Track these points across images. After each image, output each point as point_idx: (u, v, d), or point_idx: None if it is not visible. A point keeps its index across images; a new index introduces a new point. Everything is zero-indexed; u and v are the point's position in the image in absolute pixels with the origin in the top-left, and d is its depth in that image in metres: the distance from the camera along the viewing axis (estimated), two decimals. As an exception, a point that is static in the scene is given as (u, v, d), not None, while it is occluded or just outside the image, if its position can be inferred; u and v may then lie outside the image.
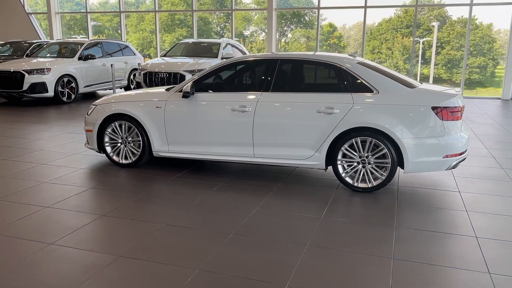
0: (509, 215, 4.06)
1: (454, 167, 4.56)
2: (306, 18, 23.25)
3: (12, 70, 10.67)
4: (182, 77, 10.23)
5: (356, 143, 4.58)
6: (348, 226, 3.80)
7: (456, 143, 4.47)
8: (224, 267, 3.05)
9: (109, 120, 5.44)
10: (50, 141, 6.92)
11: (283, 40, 23.91)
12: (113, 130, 5.46)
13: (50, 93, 10.83)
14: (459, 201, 4.42)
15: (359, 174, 4.64)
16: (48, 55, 12.32)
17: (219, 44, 11.82)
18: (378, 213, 4.10)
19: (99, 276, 2.92)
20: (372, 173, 4.61)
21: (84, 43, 12.06)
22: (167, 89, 5.40)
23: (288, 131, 4.79)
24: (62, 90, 11.11)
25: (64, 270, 3.00)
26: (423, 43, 23.11)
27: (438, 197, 4.54)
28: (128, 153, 5.47)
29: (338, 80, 4.79)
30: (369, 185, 4.63)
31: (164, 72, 10.46)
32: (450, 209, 4.21)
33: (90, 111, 5.63)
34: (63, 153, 6.18)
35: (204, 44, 12.21)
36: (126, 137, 5.43)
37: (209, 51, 11.75)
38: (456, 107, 4.46)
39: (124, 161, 5.50)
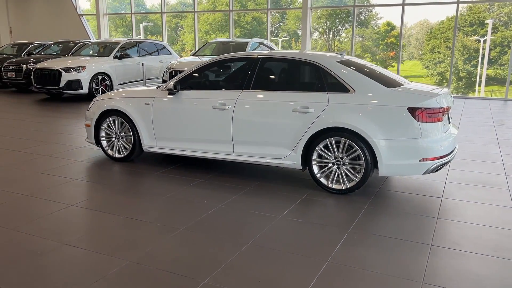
0: (478, 224, 3.81)
1: (433, 171, 4.33)
2: (361, 17, 22.81)
3: (51, 68, 11.37)
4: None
5: (331, 143, 4.48)
6: (301, 227, 3.73)
7: (434, 146, 4.25)
8: (156, 261, 3.11)
9: (104, 115, 5.68)
10: (67, 135, 7.32)
11: (336, 39, 23.60)
12: (108, 126, 5.70)
13: (85, 90, 11.40)
14: (435, 207, 4.20)
15: (334, 175, 4.53)
16: (90, 53, 12.91)
17: (246, 43, 11.91)
18: (340, 216, 4.00)
19: (30, 263, 3.08)
20: (346, 175, 4.49)
21: (120, 43, 12.59)
22: (158, 87, 5.55)
23: (265, 130, 4.77)
24: (97, 87, 11.66)
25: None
26: (484, 42, 21.89)
27: (414, 203, 4.34)
28: (121, 148, 5.68)
29: (316, 79, 4.71)
30: (343, 187, 4.51)
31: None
32: (420, 215, 4.01)
33: (90, 106, 5.91)
34: (72, 145, 6.51)
35: (232, 43, 12.35)
36: (119, 132, 5.64)
37: (236, 50, 11.86)
38: (435, 108, 4.24)
39: (117, 155, 5.72)
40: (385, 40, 23.75)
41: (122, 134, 5.62)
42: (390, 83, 4.60)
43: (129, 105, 5.49)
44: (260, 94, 4.85)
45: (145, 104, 5.39)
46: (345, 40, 22.27)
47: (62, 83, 11.27)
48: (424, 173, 4.29)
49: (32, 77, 11.95)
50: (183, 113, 5.18)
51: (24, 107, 10.62)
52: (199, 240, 3.46)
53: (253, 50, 11.83)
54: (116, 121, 5.61)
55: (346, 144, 4.41)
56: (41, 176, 5.06)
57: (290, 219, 3.89)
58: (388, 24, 23.19)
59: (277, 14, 21.60)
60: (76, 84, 11.32)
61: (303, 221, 3.84)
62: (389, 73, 5.18)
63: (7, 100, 11.90)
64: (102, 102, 5.74)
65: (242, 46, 11.88)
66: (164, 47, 13.95)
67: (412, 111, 4.21)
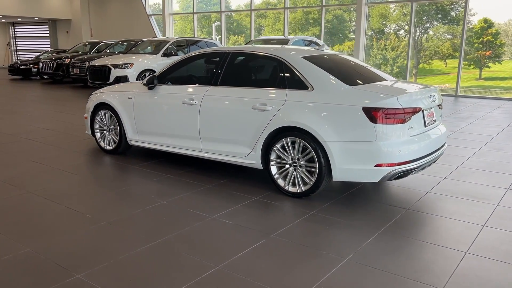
0: (426, 242, 3.34)
1: (392, 178, 3.89)
2: (452, 13, 21.36)
3: (102, 65, 12.08)
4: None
5: (287, 143, 4.22)
6: (223, 228, 3.55)
7: (392, 150, 3.81)
8: (52, 252, 3.14)
9: (98, 108, 5.90)
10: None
11: (423, 38, 22.35)
12: (101, 119, 5.90)
13: None
14: (388, 220, 3.76)
15: (290, 177, 4.26)
16: (144, 50, 13.38)
17: (287, 41, 11.69)
18: (274, 220, 3.74)
19: None
20: (302, 178, 4.20)
21: (169, 41, 12.89)
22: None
23: (228, 127, 4.63)
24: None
25: None
26: None
27: (369, 213, 3.93)
28: (111, 140, 5.85)
29: (278, 75, 4.46)
30: (298, 190, 4.22)
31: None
32: (362, 227, 3.62)
33: (89, 99, 6.16)
34: (78, 136, 6.85)
35: (274, 41, 12.20)
36: (109, 125, 5.81)
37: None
38: (394, 108, 3.80)
39: (107, 147, 5.90)
40: (481, 39, 21.93)
41: (112, 127, 5.79)
42: (363, 81, 4.24)
43: (115, 99, 5.63)
44: (225, 90, 4.71)
45: (128, 98, 5.50)
46: (432, 38, 20.94)
47: (111, 79, 11.92)
48: (381, 180, 3.87)
49: (87, 73, 12.82)
50: (158, 108, 5.20)
51: (83, 100, 11.42)
52: (111, 234, 3.44)
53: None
54: (107, 115, 5.79)
55: (301, 145, 4.13)
56: (26, 164, 5.38)
57: (221, 220, 3.72)
58: (485, 21, 21.38)
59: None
60: (124, 80, 11.89)
61: (231, 223, 3.65)
62: (379, 72, 4.77)
63: (71, 93, 12.88)
64: (96, 96, 5.96)
65: (283, 44, 11.68)
66: (215, 46, 14.11)
67: (367, 111, 3.81)
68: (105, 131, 5.90)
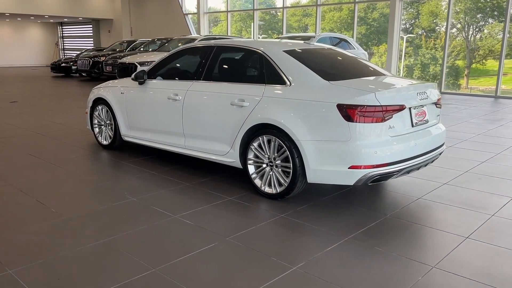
0: (391, 253, 3.01)
1: (369, 181, 3.57)
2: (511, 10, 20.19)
3: (130, 62, 12.22)
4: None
5: (263, 142, 3.99)
6: (178, 227, 3.38)
7: (369, 151, 3.49)
8: None
9: (96, 103, 5.90)
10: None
11: (478, 36, 21.25)
12: (98, 114, 5.90)
13: None
14: (360, 226, 3.45)
15: (267, 178, 4.03)
16: (171, 49, 13.46)
17: (313, 38, 11.34)
18: (238, 221, 3.52)
19: None
20: (277, 178, 3.96)
21: (196, 39, 12.63)
22: (136, 78, 5.56)
23: (208, 123, 4.46)
24: None
25: None
26: None
27: (344, 219, 3.62)
28: (107, 135, 5.84)
29: (258, 69, 4.24)
30: (273, 191, 3.98)
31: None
32: (328, 233, 3.33)
33: (90, 94, 6.19)
34: (85, 131, 6.92)
35: (298, 38, 11.88)
36: (106, 120, 5.80)
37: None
38: (371, 106, 3.48)
39: (104, 142, 5.89)
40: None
41: (108, 122, 5.77)
42: (348, 77, 3.96)
43: (110, 94, 5.60)
44: (207, 85, 4.55)
45: (121, 93, 5.45)
46: (486, 37, 19.83)
47: (137, 76, 12.06)
48: (356, 183, 3.56)
49: (116, 70, 13.06)
50: (146, 103, 5.11)
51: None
52: (64, 230, 3.35)
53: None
54: (103, 110, 5.78)
55: (276, 143, 3.89)
56: (25, 157, 5.45)
57: (182, 219, 3.55)
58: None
59: (411, 9, 20.11)
60: None
61: (191, 224, 3.48)
62: (374, 68, 4.47)
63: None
64: (95, 91, 5.96)
65: (306, 40, 11.32)
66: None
67: (341, 108, 3.52)
68: (102, 126, 5.89)
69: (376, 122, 3.50)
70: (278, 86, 3.97)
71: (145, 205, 3.86)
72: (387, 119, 3.55)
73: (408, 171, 3.76)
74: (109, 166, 5.13)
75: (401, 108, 3.62)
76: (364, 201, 4.01)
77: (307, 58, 4.18)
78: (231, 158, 4.29)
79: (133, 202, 3.93)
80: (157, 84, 5.06)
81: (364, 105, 3.47)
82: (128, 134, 5.45)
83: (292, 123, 3.73)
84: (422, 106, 3.91)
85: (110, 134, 5.74)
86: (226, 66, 4.72)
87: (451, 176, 4.74)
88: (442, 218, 3.63)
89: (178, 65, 5.19)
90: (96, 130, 5.98)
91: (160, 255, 2.95)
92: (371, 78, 4.13)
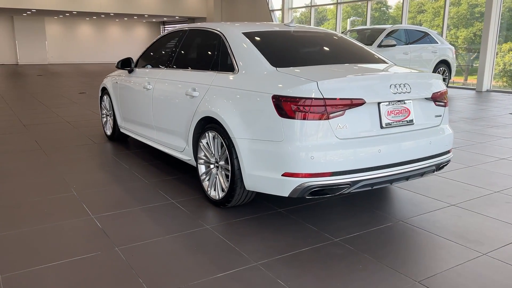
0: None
1: (306, 194, 2.80)
2: None
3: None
4: None
5: (209, 138, 3.43)
6: (82, 229, 2.97)
7: (303, 156, 2.74)
8: None
9: (102, 93, 5.79)
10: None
11: None
12: (105, 104, 5.78)
13: None
14: (281, 250, 2.72)
15: (212, 180, 3.46)
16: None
17: (382, 30, 10.22)
18: (151, 228, 3.00)
19: None
20: (221, 182, 3.37)
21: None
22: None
23: (169, 116, 4.02)
24: None
25: None
26: None
27: (263, 240, 2.92)
28: (110, 125, 5.69)
29: (216, 54, 3.66)
30: (217, 197, 3.39)
31: None
32: (218, 256, 2.67)
33: (102, 84, 6.11)
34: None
35: (367, 31, 10.80)
36: (109, 110, 5.65)
37: (369, 38, 10.29)
38: (310, 98, 2.73)
39: (108, 133, 5.75)
40: None
41: (110, 112, 5.62)
42: (316, 63, 3.25)
43: (110, 83, 5.43)
44: (173, 73, 4.10)
45: (116, 82, 5.24)
46: None
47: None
48: (291, 194, 2.82)
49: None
50: (130, 93, 4.83)
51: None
52: (-28, 219, 3.16)
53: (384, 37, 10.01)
54: (107, 99, 5.64)
55: (219, 141, 3.30)
56: (27, 143, 5.52)
57: (94, 221, 3.14)
58: None
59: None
60: None
61: (98, 227, 3.05)
62: (372, 55, 3.68)
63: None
64: (104, 80, 5.85)
65: (378, 34, 10.23)
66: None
67: (276, 100, 2.82)
68: (108, 116, 5.76)
69: (317, 119, 2.73)
70: (227, 74, 3.38)
71: (78, 201, 3.54)
72: (334, 116, 2.75)
73: (370, 185, 2.90)
74: (89, 157, 4.92)
75: (357, 102, 2.80)
76: (328, 217, 3.22)
77: (269, 41, 3.51)
78: (188, 156, 3.78)
79: (69, 197, 3.63)
80: (140, 72, 4.73)
81: (300, 97, 2.73)
82: (122, 125, 5.22)
83: (230, 117, 3.12)
84: (402, 102, 3.01)
85: (111, 125, 5.57)
86: (190, 52, 4.22)
87: (471, 196, 3.68)
88: (407, 253, 2.72)
89: (161, 52, 4.80)
90: (104, 120, 5.87)
91: (29, 258, 2.57)
92: (345, 64, 3.33)
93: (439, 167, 3.25)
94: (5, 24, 26.00)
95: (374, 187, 2.97)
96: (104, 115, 5.81)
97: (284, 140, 2.77)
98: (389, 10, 18.68)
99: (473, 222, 3.16)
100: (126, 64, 4.80)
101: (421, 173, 3.14)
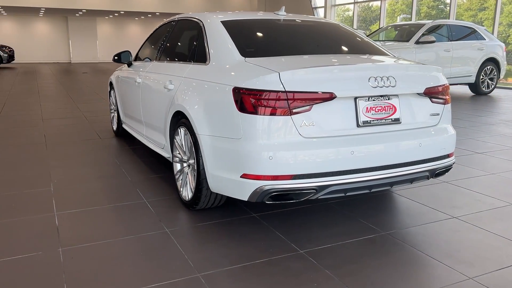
0: None
1: (265, 198, 2.49)
2: None
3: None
4: None
5: (181, 135, 3.20)
6: (36, 227, 2.83)
7: (260, 156, 2.43)
8: None
9: (110, 87, 5.72)
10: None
11: None
12: (111, 98, 5.71)
13: None
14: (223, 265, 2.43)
15: (184, 179, 3.22)
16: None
17: (421, 26, 9.57)
18: (105, 229, 2.81)
19: None
20: (190, 181, 3.13)
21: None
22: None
23: (151, 110, 3.84)
24: None
25: None
26: None
27: (216, 244, 2.63)
28: (115, 121, 5.61)
29: (194, 44, 3.42)
30: (187, 198, 3.15)
31: None
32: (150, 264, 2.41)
33: (112, 78, 6.05)
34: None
35: (406, 26, 10.16)
36: (114, 104, 5.56)
37: (408, 34, 9.65)
38: (269, 91, 2.41)
39: (114, 128, 5.68)
40: None
41: (116, 107, 5.53)
42: (294, 53, 2.95)
43: (114, 78, 5.34)
44: (157, 66, 3.92)
45: (118, 76, 5.14)
46: None
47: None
48: (251, 198, 2.52)
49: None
50: (126, 87, 4.70)
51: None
52: None
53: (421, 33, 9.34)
54: (113, 93, 5.56)
55: (188, 137, 3.06)
56: (36, 133, 5.55)
57: (53, 219, 2.99)
58: None
59: None
60: None
61: (52, 224, 2.90)
62: (371, 47, 3.31)
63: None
64: (112, 74, 5.78)
65: (417, 29, 9.57)
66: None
67: (236, 93, 2.53)
68: (114, 111, 5.68)
69: (277, 114, 2.41)
70: (200, 65, 3.13)
71: (50, 196, 3.41)
72: (298, 112, 2.42)
73: (341, 191, 2.55)
74: (87, 153, 4.81)
75: (325, 96, 2.45)
76: (305, 225, 2.89)
77: (248, 30, 3.23)
78: (168, 153, 3.57)
79: (44, 192, 3.51)
80: (135, 66, 4.59)
81: (259, 90, 2.42)
82: (124, 120, 5.11)
83: (195, 112, 2.87)
84: (386, 97, 2.63)
85: (117, 120, 5.49)
86: (175, 43, 3.99)
87: (479, 208, 3.21)
88: (377, 272, 2.34)
89: (153, 44, 4.60)
90: (111, 115, 5.80)
91: (-37, 256, 2.45)
92: (327, 55, 2.99)
93: (434, 173, 2.83)
94: (60, 24, 27.24)
95: (348, 194, 2.60)
96: (112, 110, 5.73)
97: (242, 137, 2.48)
98: (447, 8, 17.64)
99: (471, 238, 2.71)
100: (123, 57, 4.66)
101: (410, 180, 2.74)
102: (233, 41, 2.96)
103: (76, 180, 3.81)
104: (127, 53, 4.67)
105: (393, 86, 2.60)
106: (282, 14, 3.54)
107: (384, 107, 2.62)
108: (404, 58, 3.30)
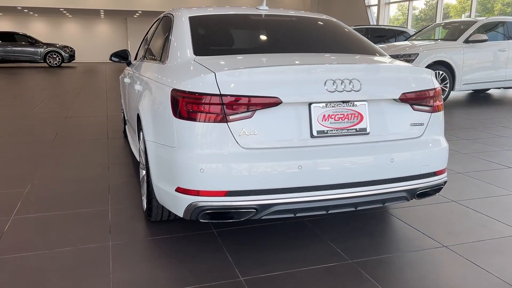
0: None
1: (199, 216, 2.19)
2: None
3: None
4: None
5: (141, 139, 2.97)
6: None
7: (192, 168, 2.13)
8: None
9: (122, 87, 5.65)
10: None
11: None
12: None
13: None
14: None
15: (145, 188, 2.99)
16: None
17: (471, 24, 8.75)
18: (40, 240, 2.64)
19: None
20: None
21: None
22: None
23: (129, 112, 3.66)
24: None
25: None
26: None
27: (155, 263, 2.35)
28: (123, 121, 5.52)
29: (164, 42, 3.18)
30: (144, 209, 2.92)
31: None
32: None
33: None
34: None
35: (456, 24, 9.33)
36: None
37: (460, 32, 8.83)
38: (201, 94, 2.12)
39: (123, 128, 5.60)
40: None
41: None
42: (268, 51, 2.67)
43: (121, 76, 5.25)
44: (139, 65, 3.73)
45: (122, 75, 5.04)
46: None
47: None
48: (186, 215, 2.23)
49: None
50: (121, 87, 4.57)
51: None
52: None
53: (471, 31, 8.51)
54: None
55: (142, 142, 2.83)
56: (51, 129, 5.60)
57: (14, 222, 2.89)
58: None
59: None
60: None
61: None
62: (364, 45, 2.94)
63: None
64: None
65: (466, 27, 8.77)
66: None
67: (173, 96, 2.26)
68: (122, 111, 5.60)
69: (212, 121, 2.11)
70: (160, 64, 2.89)
71: (19, 198, 3.32)
72: (236, 119, 2.10)
73: (290, 211, 2.19)
74: (86, 153, 4.73)
75: (269, 101, 2.10)
76: (264, 246, 2.56)
77: (215, 27, 2.94)
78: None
79: (15, 193, 3.43)
80: (131, 65, 4.43)
81: (192, 92, 2.13)
82: (127, 120, 5.00)
83: (145, 115, 2.64)
84: (350, 103, 2.23)
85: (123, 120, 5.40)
86: (153, 41, 3.76)
87: (482, 236, 2.70)
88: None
89: (144, 43, 4.43)
90: (122, 114, 5.73)
91: None
92: (296, 54, 2.63)
93: (415, 194, 2.38)
94: (120, 25, 28.30)
95: (299, 215, 2.24)
96: (122, 110, 5.66)
97: (176, 146, 2.20)
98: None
99: (452, 275, 2.25)
100: (119, 56, 4.51)
101: (381, 201, 2.32)
102: (192, 38, 2.68)
103: (55, 182, 3.71)
104: (125, 51, 4.52)
105: (356, 91, 2.20)
106: (263, 9, 3.21)
107: (347, 114, 2.22)
108: (395, 59, 2.85)
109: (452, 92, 8.76)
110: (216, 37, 2.89)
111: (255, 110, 2.10)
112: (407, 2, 16.88)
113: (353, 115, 2.23)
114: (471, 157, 4.55)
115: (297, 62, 2.41)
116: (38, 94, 9.97)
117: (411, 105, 2.36)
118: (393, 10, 18.49)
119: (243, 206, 2.11)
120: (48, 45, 19.52)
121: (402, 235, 2.74)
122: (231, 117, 2.08)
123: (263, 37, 3.01)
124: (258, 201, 2.11)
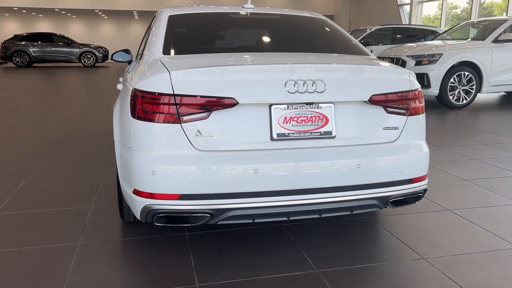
0: None
1: (153, 219, 2.13)
2: None
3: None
4: (404, 63, 8.15)
5: (119, 139, 2.96)
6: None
7: (144, 169, 2.08)
8: None
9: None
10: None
11: None
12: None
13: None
14: None
15: (123, 189, 2.97)
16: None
17: (501, 22, 8.33)
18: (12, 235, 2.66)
19: None
20: (124, 191, 2.87)
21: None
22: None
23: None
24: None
25: None
26: None
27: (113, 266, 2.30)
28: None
29: (147, 40, 3.14)
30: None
31: (388, 58, 8.63)
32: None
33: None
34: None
35: (485, 23, 8.91)
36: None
37: (490, 31, 8.41)
38: (154, 93, 2.06)
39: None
40: None
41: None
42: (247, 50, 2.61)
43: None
44: (132, 64, 3.69)
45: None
46: None
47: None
48: (141, 218, 2.18)
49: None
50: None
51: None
52: None
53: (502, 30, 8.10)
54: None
55: (118, 141, 2.80)
56: (54, 129, 5.71)
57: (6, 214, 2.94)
58: None
59: None
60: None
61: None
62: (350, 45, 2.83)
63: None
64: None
65: (497, 25, 8.34)
66: None
67: (132, 95, 2.21)
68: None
69: (165, 121, 2.04)
70: (137, 63, 2.86)
71: (8, 194, 3.37)
72: (191, 120, 2.03)
73: (247, 216, 2.10)
74: (88, 152, 4.77)
75: (224, 102, 2.02)
76: (235, 251, 2.48)
77: (193, 26, 2.87)
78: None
79: (6, 190, 3.48)
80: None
81: (146, 92, 2.08)
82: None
83: (114, 114, 2.62)
84: (315, 105, 2.12)
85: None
86: (143, 40, 3.73)
87: (468, 249, 2.52)
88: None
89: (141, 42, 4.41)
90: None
91: None
92: (271, 53, 2.55)
93: (387, 201, 2.24)
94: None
95: (257, 221, 2.14)
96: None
97: (133, 147, 2.15)
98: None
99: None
100: (120, 56, 4.52)
101: (348, 208, 2.19)
102: (165, 37, 2.64)
103: (48, 180, 3.76)
104: (127, 51, 4.53)
105: (320, 92, 2.08)
106: (248, 7, 3.12)
107: (311, 117, 2.11)
108: (379, 59, 2.70)
109: (480, 95, 8.37)
110: (190, 36, 2.84)
111: (211, 111, 2.02)
112: (443, 1, 16.30)
113: (317, 118, 2.11)
114: (482, 163, 4.30)
115: (258, 62, 2.32)
116: (65, 93, 10.25)
117: (384, 107, 2.22)
118: (433, 9, 17.89)
119: (196, 210, 2.03)
120: (83, 45, 20.08)
121: (382, 244, 2.59)
122: (185, 117, 2.02)
123: (240, 37, 2.93)
124: (213, 206, 2.03)
